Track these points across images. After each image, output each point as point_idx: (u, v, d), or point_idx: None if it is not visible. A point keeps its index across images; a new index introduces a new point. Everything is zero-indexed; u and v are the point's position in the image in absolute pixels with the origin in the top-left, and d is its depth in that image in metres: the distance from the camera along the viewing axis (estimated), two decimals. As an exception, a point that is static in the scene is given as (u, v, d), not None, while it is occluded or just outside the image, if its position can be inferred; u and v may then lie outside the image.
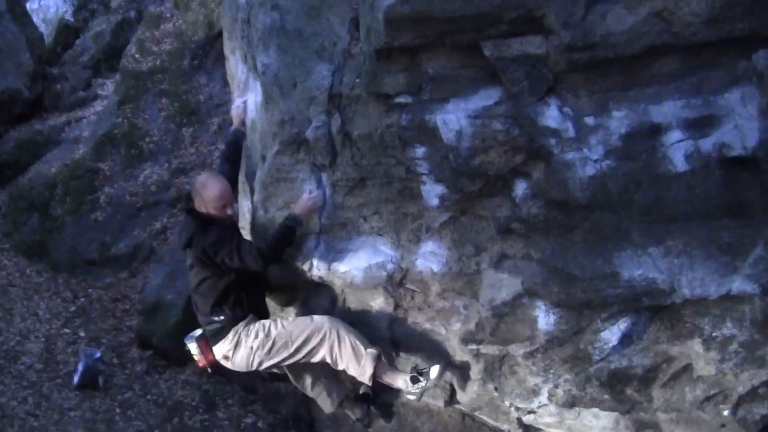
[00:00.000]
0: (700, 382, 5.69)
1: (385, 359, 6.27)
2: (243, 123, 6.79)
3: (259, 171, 6.30)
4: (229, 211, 6.29)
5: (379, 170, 5.76)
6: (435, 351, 6.18)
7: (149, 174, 12.98)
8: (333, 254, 6.14)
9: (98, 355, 10.19)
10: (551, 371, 5.84)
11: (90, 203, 12.83)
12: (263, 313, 6.56)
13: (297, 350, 6.16)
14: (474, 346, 5.97)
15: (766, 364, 5.47)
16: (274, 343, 6.18)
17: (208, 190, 6.17)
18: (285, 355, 6.19)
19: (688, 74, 5.04)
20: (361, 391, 7.02)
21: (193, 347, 6.36)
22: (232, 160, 6.80)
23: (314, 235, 6.15)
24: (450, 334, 6.06)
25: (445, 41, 5.30)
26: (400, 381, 6.19)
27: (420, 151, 5.56)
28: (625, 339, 5.61)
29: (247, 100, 6.65)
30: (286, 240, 5.96)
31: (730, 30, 4.82)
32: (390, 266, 5.96)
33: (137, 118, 13.66)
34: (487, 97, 5.34)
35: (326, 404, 6.86)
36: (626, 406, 5.92)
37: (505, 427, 6.72)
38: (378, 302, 6.20)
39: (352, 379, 6.32)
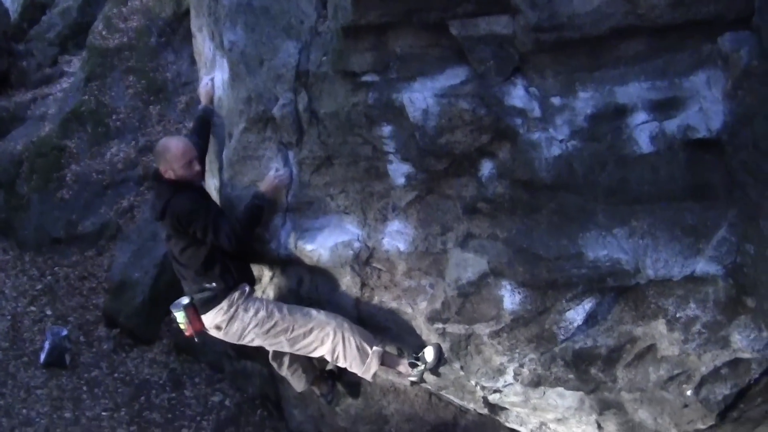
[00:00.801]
0: (663, 362, 5.72)
1: (385, 351, 6.29)
2: (211, 101, 6.71)
3: (226, 149, 6.29)
4: (196, 167, 6.16)
5: (345, 149, 5.76)
6: (401, 330, 6.18)
7: (116, 152, 12.91)
8: (299, 233, 6.14)
9: (65, 333, 10.17)
10: (517, 351, 5.86)
11: (56, 181, 12.75)
12: (251, 280, 6.43)
13: (294, 340, 6.11)
14: (440, 325, 5.97)
15: (728, 344, 5.51)
16: (274, 326, 6.09)
17: (171, 150, 6.04)
18: (281, 340, 6.13)
19: (654, 56, 5.05)
20: (327, 368, 7.04)
21: (180, 316, 6.15)
22: (200, 134, 6.69)
23: (281, 214, 6.15)
24: (416, 313, 6.06)
25: (412, 20, 5.29)
26: (401, 367, 6.28)
27: (386, 129, 5.56)
28: (590, 319, 5.64)
29: (214, 78, 6.59)
30: (255, 218, 5.95)
31: (695, 13, 4.83)
32: (356, 245, 5.96)
33: (104, 96, 13.56)
34: (453, 77, 5.35)
35: (299, 384, 6.87)
36: (591, 386, 5.95)
37: (470, 406, 6.75)
38: (344, 281, 6.19)
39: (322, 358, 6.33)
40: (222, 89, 6.48)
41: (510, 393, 6.22)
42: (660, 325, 5.54)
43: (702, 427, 5.99)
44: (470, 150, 5.40)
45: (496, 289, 5.66)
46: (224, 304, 6.08)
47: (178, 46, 13.97)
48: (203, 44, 7.16)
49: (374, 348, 6.12)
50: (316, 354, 6.17)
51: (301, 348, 6.15)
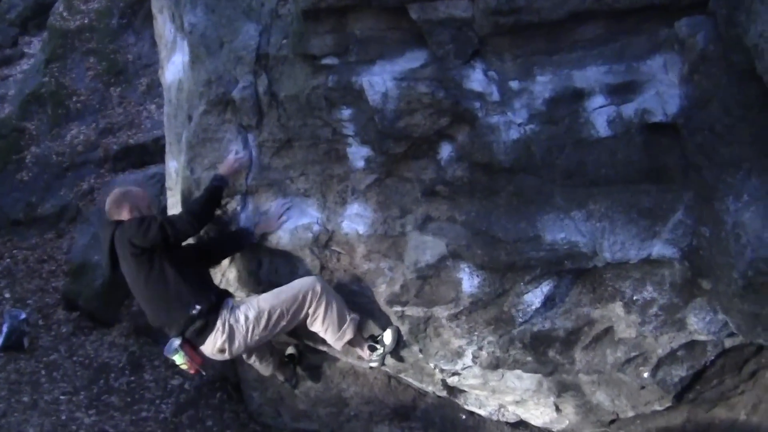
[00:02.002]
0: (620, 344, 5.77)
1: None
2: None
3: (186, 131, 6.25)
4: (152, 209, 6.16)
5: (305, 131, 5.75)
6: (360, 312, 6.17)
7: (76, 134, 12.81)
8: (259, 215, 6.13)
9: (23, 316, 10.07)
10: (475, 333, 5.89)
11: (16, 163, 12.63)
12: (226, 291, 6.30)
13: (293, 315, 5.98)
14: (399, 308, 6.00)
15: (684, 327, 5.56)
16: (269, 317, 5.93)
17: (131, 191, 6.07)
18: (282, 325, 6.01)
19: (611, 40, 5.08)
20: (287, 353, 7.03)
21: (178, 357, 5.93)
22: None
23: (240, 196, 6.13)
24: (375, 296, 6.07)
25: (371, 3, 5.30)
26: (363, 350, 6.27)
27: (346, 112, 5.56)
28: (548, 302, 5.68)
29: (283, 203, 6.20)
30: (213, 199, 5.89)
31: (653, -3, 4.88)
32: (316, 228, 5.96)
33: (64, 77, 13.45)
34: (413, 60, 5.36)
35: (266, 369, 6.86)
36: (549, 368, 6.00)
37: (429, 388, 6.77)
38: (304, 264, 6.19)
39: (280, 342, 6.31)
40: (182, 71, 6.44)
41: (469, 375, 6.26)
42: (617, 308, 5.59)
43: (659, 408, 6.06)
44: (429, 133, 5.41)
45: (454, 271, 5.69)
46: (218, 325, 5.90)
47: (140, 28, 13.89)
48: (164, 26, 7.12)
49: (351, 315, 6.09)
50: (301, 317, 6.05)
51: (302, 319, 6.05)
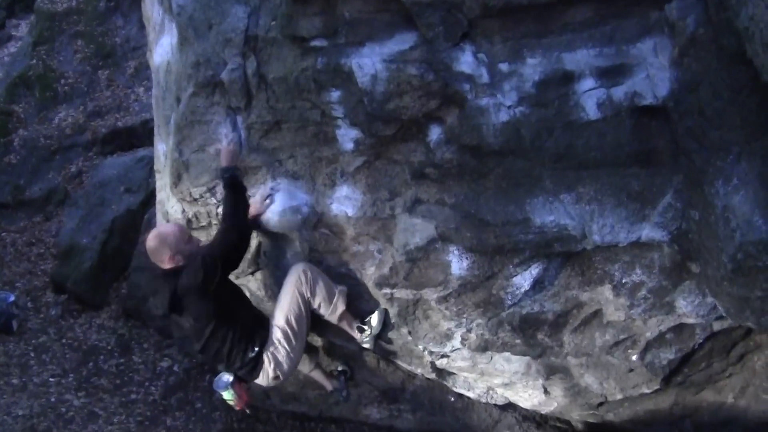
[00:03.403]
0: (609, 327, 5.79)
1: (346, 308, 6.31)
2: (257, 217, 6.15)
3: (174, 113, 6.22)
4: (194, 238, 6.05)
5: (294, 114, 5.73)
6: (349, 295, 6.17)
7: (64, 117, 12.80)
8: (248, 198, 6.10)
9: (12, 299, 10.08)
10: (464, 316, 5.90)
11: (3, 146, 12.62)
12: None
13: (303, 309, 6.10)
14: (388, 291, 6.00)
15: (673, 310, 5.58)
16: (291, 326, 6.06)
17: (169, 234, 5.82)
18: (304, 321, 6.14)
19: (602, 23, 5.06)
20: (339, 368, 7.21)
21: (227, 394, 6.02)
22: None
23: (229, 179, 6.11)
24: (364, 278, 6.09)
25: (360, -16, 5.28)
26: (354, 331, 6.36)
27: (335, 94, 5.53)
28: (537, 284, 5.69)
29: (271, 186, 6.16)
30: (240, 195, 5.83)
31: (643, -21, 4.87)
32: (305, 210, 5.95)
33: (52, 60, 13.43)
34: (402, 42, 5.32)
35: (303, 366, 6.87)
36: (537, 351, 6.01)
37: (418, 371, 6.78)
38: (293, 246, 6.18)
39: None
40: (170, 54, 6.40)
41: (457, 358, 6.27)
42: (606, 291, 5.60)
43: (647, 391, 6.09)
44: (418, 115, 5.39)
45: (443, 254, 5.69)
46: (265, 359, 6.03)
47: (127, 11, 13.86)
48: (152, 8, 7.07)
49: (339, 287, 6.16)
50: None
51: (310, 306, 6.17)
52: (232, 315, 5.89)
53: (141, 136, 12.35)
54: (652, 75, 5.00)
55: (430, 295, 5.88)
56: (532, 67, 5.14)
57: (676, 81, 4.91)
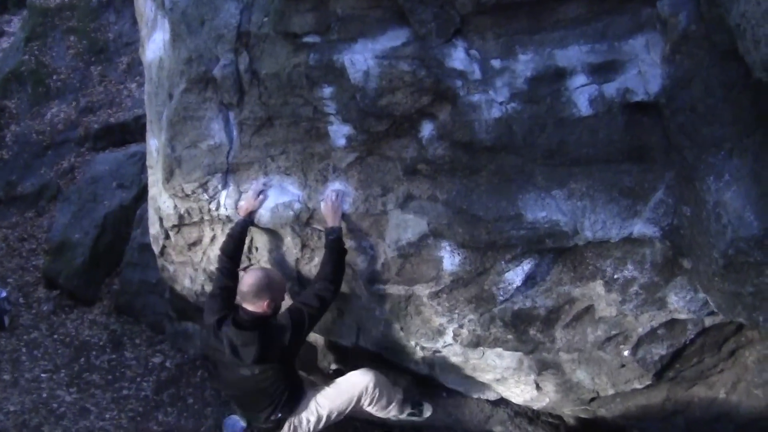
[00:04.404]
0: (601, 323, 5.79)
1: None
2: (251, 213, 6.18)
3: (167, 109, 6.23)
4: None
5: (286, 110, 5.73)
6: (341, 291, 6.17)
7: (56, 112, 12.80)
8: (240, 194, 6.11)
9: (4, 294, 10.07)
10: (456, 311, 5.91)
11: (-5, 141, 12.63)
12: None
13: (349, 412, 6.35)
14: (380, 286, 6.02)
15: (665, 305, 5.59)
16: (328, 418, 6.28)
17: (276, 280, 5.83)
18: (339, 419, 6.39)
19: (594, 19, 5.05)
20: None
21: None
22: (236, 255, 6.25)
23: (221, 175, 6.11)
24: (356, 274, 6.10)
25: (353, -20, 5.28)
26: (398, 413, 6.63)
27: (327, 91, 5.53)
28: (529, 280, 5.69)
29: (263, 182, 6.18)
30: (343, 258, 5.90)
31: (635, -24, 4.87)
32: (297, 206, 5.95)
33: (44, 56, 13.43)
34: (394, 38, 5.32)
35: None
36: (529, 347, 6.02)
37: (410, 366, 6.79)
38: (285, 242, 6.20)
39: None
40: (163, 49, 6.40)
41: (449, 354, 6.29)
42: (598, 287, 5.61)
43: (639, 386, 6.09)
44: (410, 112, 5.39)
45: (435, 250, 5.69)
46: (285, 428, 6.16)
47: (120, 6, 13.85)
48: (144, 4, 7.06)
49: (397, 396, 6.55)
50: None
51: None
52: (290, 378, 6.05)
53: (133, 131, 12.36)
54: (644, 71, 5.00)
55: (422, 290, 5.89)
56: (524, 64, 5.14)
57: (668, 77, 4.91)
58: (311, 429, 6.20)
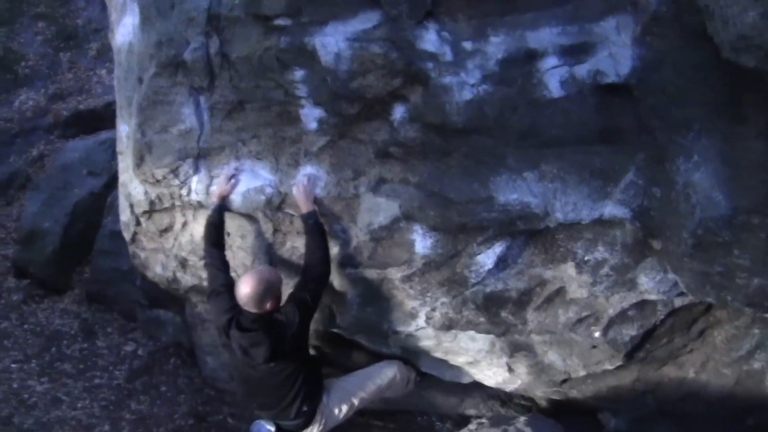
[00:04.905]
0: (572, 304, 5.82)
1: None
2: (224, 198, 6.12)
3: (137, 94, 6.20)
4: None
5: (257, 93, 5.71)
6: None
7: (25, 99, 12.70)
8: (211, 179, 6.09)
9: (-27, 285, 10.03)
10: (428, 294, 5.92)
11: (-37, 129, 12.53)
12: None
13: (375, 399, 6.75)
14: (352, 270, 6.02)
15: (635, 287, 5.62)
16: (357, 406, 6.53)
17: (273, 279, 5.73)
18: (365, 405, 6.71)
19: (565, 1, 5.07)
20: None
21: None
22: (219, 242, 6.19)
23: (192, 160, 6.09)
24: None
25: (324, -37, 5.27)
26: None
27: (299, 74, 5.52)
28: (501, 262, 5.71)
29: (235, 167, 6.13)
30: (326, 238, 5.85)
31: (606, -43, 4.90)
32: (269, 190, 5.93)
33: (12, 42, 13.33)
34: (366, 20, 5.31)
35: None
36: (501, 329, 6.04)
37: (383, 350, 6.80)
38: (256, 227, 6.18)
39: None
40: (132, 34, 6.37)
41: (422, 337, 6.30)
42: (569, 268, 5.64)
43: (610, 367, 6.12)
44: (382, 94, 5.39)
45: (407, 233, 5.70)
46: (316, 421, 6.21)
47: (89, -9, 13.76)
48: (113, -12, 7.04)
49: (411, 376, 6.95)
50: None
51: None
52: (307, 365, 6.07)
53: (104, 118, 12.26)
54: (615, 53, 5.02)
55: (395, 274, 5.89)
56: (496, 45, 5.15)
57: (639, 59, 4.94)
58: (342, 417, 6.40)
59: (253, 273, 5.71)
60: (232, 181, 5.95)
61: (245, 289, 5.56)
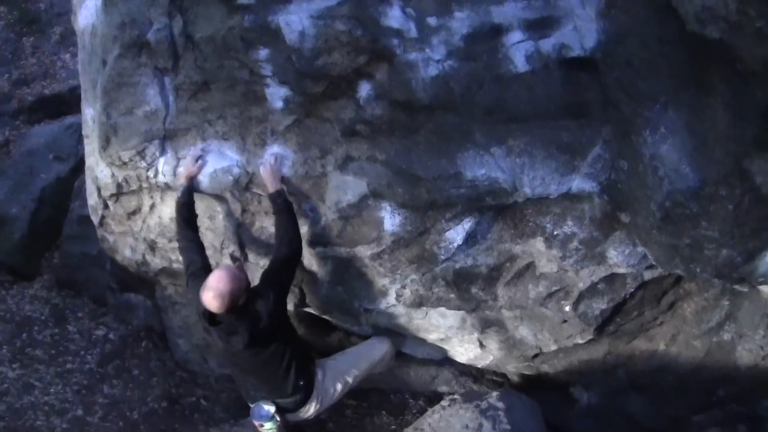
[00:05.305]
0: (542, 279, 5.84)
1: None
2: (192, 179, 6.02)
3: (101, 76, 6.14)
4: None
5: (222, 73, 5.67)
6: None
7: (-12, 85, 12.58)
8: (178, 160, 6.05)
9: (-60, 273, 9.94)
10: (398, 272, 5.92)
11: (-75, 116, 12.39)
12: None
13: (367, 376, 6.75)
14: (321, 249, 6.00)
15: (605, 260, 5.65)
16: (352, 383, 6.52)
17: (235, 277, 5.53)
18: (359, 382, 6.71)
19: (529, -25, 5.09)
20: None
21: (271, 425, 6.02)
22: (191, 223, 6.05)
23: (158, 141, 6.04)
24: (298, 238, 6.06)
25: (286, -60, 5.24)
26: None
27: (263, 53, 5.49)
28: (470, 238, 5.72)
29: (201, 147, 6.04)
30: (294, 217, 5.79)
31: (569, -69, 4.90)
32: (236, 171, 5.89)
33: (-26, 27, 13.20)
34: (330, -2, 5.30)
35: None
36: (472, 305, 6.06)
37: (355, 328, 6.82)
38: (225, 207, 6.16)
39: None
40: (96, 16, 6.30)
41: (393, 314, 6.30)
42: (538, 243, 5.65)
43: (580, 341, 6.16)
44: (348, 72, 5.37)
45: (376, 210, 5.69)
46: (312, 398, 6.18)
47: (52, -24, 13.62)
48: (74, -30, 6.97)
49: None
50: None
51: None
52: (291, 341, 6.02)
53: (69, 103, 12.16)
54: (580, 27, 5.03)
55: (364, 252, 5.89)
56: (460, 21, 5.14)
57: (604, 32, 4.96)
58: (337, 395, 6.40)
59: (214, 280, 5.48)
60: (199, 162, 5.90)
61: (209, 297, 5.41)
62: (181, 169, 6.00)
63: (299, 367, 5.97)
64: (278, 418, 6.00)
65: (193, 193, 6.03)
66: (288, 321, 6.14)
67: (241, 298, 5.51)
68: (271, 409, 5.98)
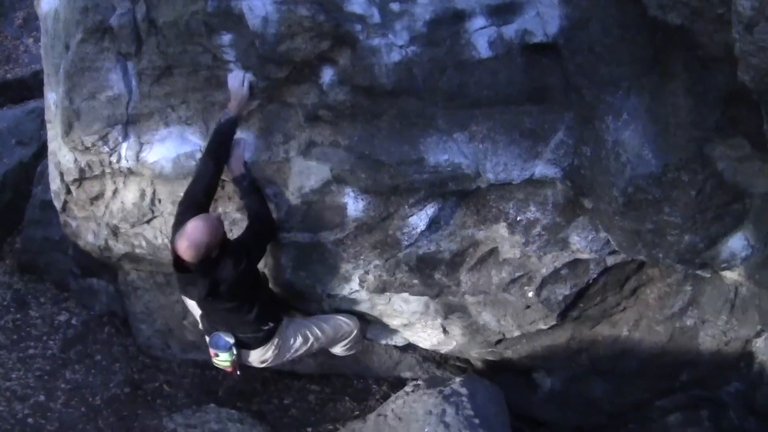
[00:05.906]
0: (505, 265, 5.86)
1: None
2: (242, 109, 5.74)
3: (64, 61, 6.10)
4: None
5: (185, 58, 5.65)
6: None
7: (-50, 70, 12.48)
8: (141, 145, 6.02)
9: None
10: (361, 257, 5.93)
11: None
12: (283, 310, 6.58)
13: (328, 345, 6.71)
14: (285, 234, 6.00)
15: (567, 246, 5.68)
16: (312, 345, 6.46)
17: (220, 226, 5.52)
18: (314, 349, 6.63)
19: (491, -39, 5.08)
20: None
21: (227, 356, 6.00)
22: (219, 157, 5.75)
23: (121, 126, 6.01)
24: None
25: (248, -76, 5.21)
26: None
27: (226, 38, 5.46)
28: (433, 224, 5.73)
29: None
30: (263, 193, 5.82)
31: None
32: (198, 155, 5.87)
33: (-66, 12, 13.08)
34: (292, -18, 5.28)
35: None
36: (435, 290, 6.08)
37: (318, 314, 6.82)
38: (188, 193, 6.12)
39: None
40: (58, 1, 6.26)
41: (356, 300, 6.32)
42: (501, 229, 5.67)
43: (544, 327, 6.19)
44: (310, 57, 5.35)
45: (339, 196, 5.69)
46: (272, 342, 6.14)
47: (14, -42, 13.51)
48: (37, -46, 6.92)
49: (361, 338, 6.98)
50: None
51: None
52: (256, 294, 5.95)
53: (31, 87, 12.09)
54: (542, 12, 5.03)
55: (327, 237, 5.89)
56: (423, 6, 5.12)
57: (566, 18, 4.96)
58: (294, 350, 6.36)
59: (191, 232, 5.34)
60: (245, 84, 5.61)
61: (184, 250, 5.33)
62: (144, 154, 5.96)
63: (265, 314, 6.00)
64: (235, 351, 5.99)
65: (236, 127, 5.74)
66: (258, 279, 6.09)
67: (214, 251, 5.47)
68: (230, 340, 5.95)
